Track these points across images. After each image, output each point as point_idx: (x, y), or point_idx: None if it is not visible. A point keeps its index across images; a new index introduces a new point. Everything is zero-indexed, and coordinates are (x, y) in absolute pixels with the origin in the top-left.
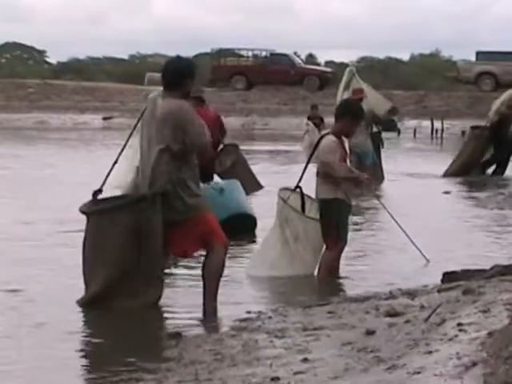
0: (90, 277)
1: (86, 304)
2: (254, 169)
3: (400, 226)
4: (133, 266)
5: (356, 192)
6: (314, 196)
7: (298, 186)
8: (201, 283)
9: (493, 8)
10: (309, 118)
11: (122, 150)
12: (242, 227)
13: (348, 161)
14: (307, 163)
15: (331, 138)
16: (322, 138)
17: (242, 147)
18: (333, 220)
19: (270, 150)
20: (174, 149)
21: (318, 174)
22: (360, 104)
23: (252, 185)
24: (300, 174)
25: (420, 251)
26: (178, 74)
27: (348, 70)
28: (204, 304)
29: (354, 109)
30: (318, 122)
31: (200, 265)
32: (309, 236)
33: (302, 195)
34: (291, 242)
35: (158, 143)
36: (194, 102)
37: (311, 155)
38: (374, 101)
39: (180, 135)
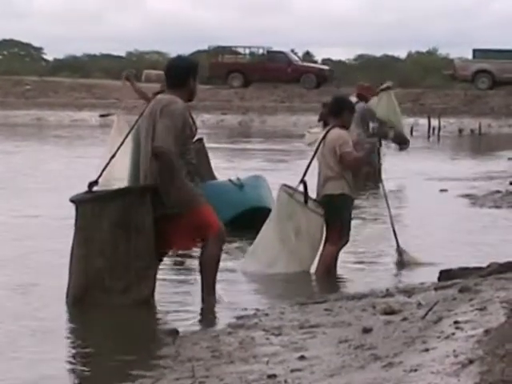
0: (75, 269)
1: (75, 299)
2: (252, 166)
3: (392, 223)
4: (122, 260)
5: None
6: (314, 195)
7: (302, 181)
8: (196, 278)
9: (490, 6)
10: (321, 115)
11: (121, 145)
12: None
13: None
14: (312, 159)
15: (339, 130)
16: (327, 133)
17: (239, 145)
18: (339, 215)
19: (267, 147)
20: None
21: (323, 169)
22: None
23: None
24: (304, 169)
25: (399, 250)
26: (181, 73)
27: (386, 94)
28: (202, 298)
29: (349, 104)
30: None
31: (196, 258)
32: (310, 230)
33: (306, 189)
34: (292, 238)
35: (152, 138)
36: None
37: (316, 151)
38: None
39: (174, 132)
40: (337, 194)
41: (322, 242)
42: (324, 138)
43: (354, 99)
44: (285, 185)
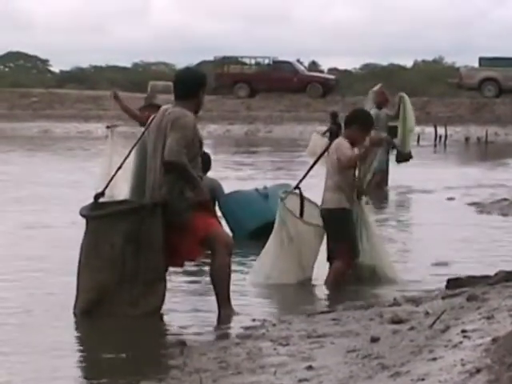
0: (85, 282)
1: (83, 311)
2: (256, 176)
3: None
4: (131, 274)
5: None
6: (319, 201)
7: (297, 187)
8: (204, 289)
9: (496, 14)
10: (334, 123)
11: (127, 157)
12: None
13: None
14: (312, 165)
15: (341, 140)
16: (330, 144)
17: (245, 155)
18: (341, 231)
19: (273, 157)
20: None
21: (326, 180)
22: (369, 113)
23: None
24: (302, 175)
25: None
26: (191, 85)
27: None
28: (219, 309)
29: (361, 118)
30: (335, 129)
31: (203, 270)
32: (301, 240)
33: (302, 197)
34: (286, 243)
35: (162, 152)
36: (153, 110)
37: (318, 158)
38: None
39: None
40: (336, 209)
41: (319, 250)
42: (328, 148)
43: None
44: (284, 191)
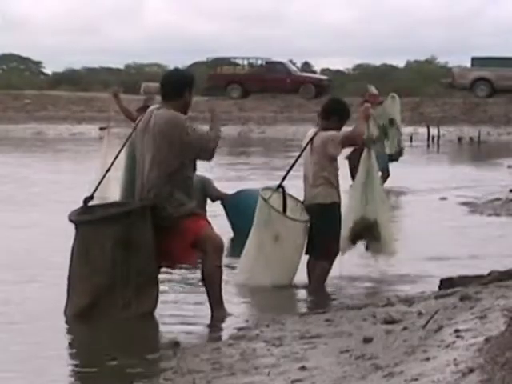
0: (77, 287)
1: (75, 316)
2: (250, 177)
3: None
4: (122, 277)
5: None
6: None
7: (280, 186)
8: (196, 290)
9: (487, 14)
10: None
11: (115, 159)
12: None
13: None
14: (293, 163)
15: (324, 132)
16: (313, 138)
17: (238, 155)
18: (332, 226)
19: (267, 157)
20: (169, 162)
21: (310, 176)
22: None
23: None
24: (284, 174)
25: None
26: (177, 85)
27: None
28: (212, 311)
29: (340, 110)
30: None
31: (196, 271)
32: (289, 237)
33: (284, 195)
34: (268, 245)
35: (151, 155)
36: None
37: (299, 155)
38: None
39: (177, 148)
40: (328, 203)
41: (304, 247)
42: (311, 143)
43: None
44: (265, 188)
